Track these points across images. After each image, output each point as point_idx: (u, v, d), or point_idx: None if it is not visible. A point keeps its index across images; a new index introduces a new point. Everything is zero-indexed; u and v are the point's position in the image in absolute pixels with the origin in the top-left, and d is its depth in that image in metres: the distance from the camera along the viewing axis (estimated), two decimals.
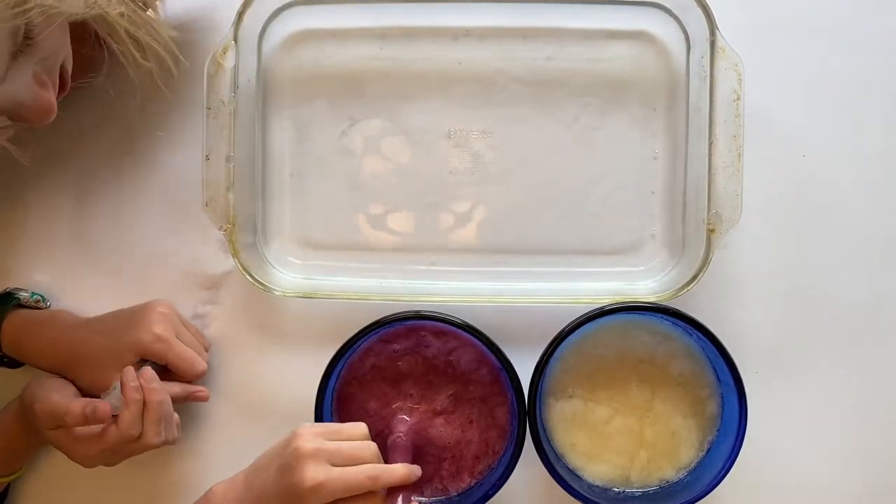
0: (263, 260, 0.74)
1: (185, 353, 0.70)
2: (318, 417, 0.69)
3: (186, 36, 0.72)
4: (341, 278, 0.73)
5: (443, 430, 0.71)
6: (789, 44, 0.74)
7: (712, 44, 0.68)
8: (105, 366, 0.68)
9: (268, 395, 0.74)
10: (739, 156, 0.68)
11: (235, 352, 0.75)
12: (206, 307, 0.75)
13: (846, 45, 0.73)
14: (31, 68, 0.55)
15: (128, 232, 0.75)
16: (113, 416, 0.65)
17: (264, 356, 0.75)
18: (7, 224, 0.75)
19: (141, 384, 0.66)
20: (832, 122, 0.73)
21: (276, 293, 0.71)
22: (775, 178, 0.73)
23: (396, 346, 0.71)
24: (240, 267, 0.70)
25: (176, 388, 0.70)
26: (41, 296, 0.73)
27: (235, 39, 0.69)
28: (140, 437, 0.66)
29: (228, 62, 0.68)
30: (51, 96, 0.57)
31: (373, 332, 0.68)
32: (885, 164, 0.74)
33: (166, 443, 0.68)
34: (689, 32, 0.71)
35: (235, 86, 0.69)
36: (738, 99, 0.68)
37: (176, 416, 0.69)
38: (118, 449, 0.66)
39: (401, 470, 0.63)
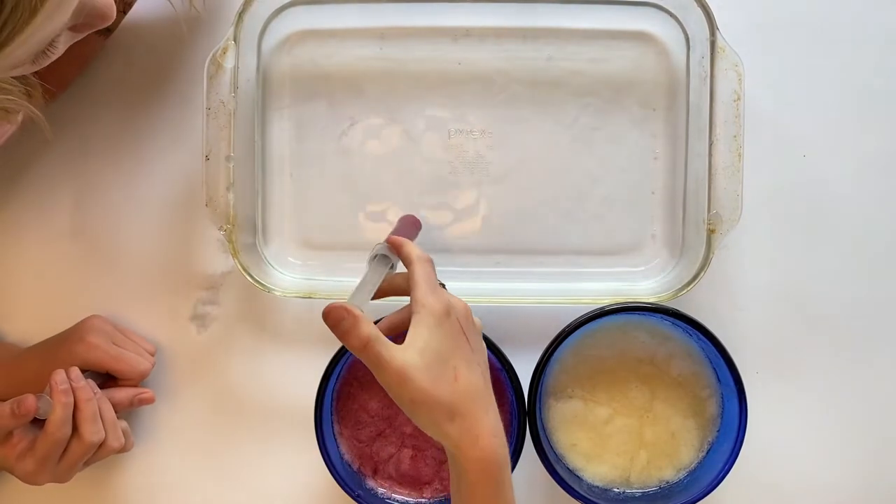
0: (263, 260, 0.74)
1: (123, 355, 0.70)
2: (318, 418, 0.68)
3: (187, 36, 0.72)
4: (341, 278, 0.73)
5: None
6: (789, 44, 0.73)
7: (712, 44, 0.68)
8: (45, 387, 0.66)
9: (267, 395, 0.74)
10: (740, 156, 0.68)
11: (235, 352, 0.75)
12: (206, 307, 0.75)
13: (846, 45, 0.73)
14: None
15: (128, 232, 0.75)
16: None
17: (264, 356, 0.75)
18: (7, 224, 0.75)
19: (70, 386, 0.64)
20: (832, 122, 0.73)
21: (276, 293, 0.71)
22: (775, 178, 0.73)
23: None
24: (240, 267, 0.70)
25: (120, 393, 0.69)
26: None
27: (235, 39, 0.68)
28: (77, 438, 0.64)
29: (228, 62, 0.68)
30: None
31: None
32: (885, 164, 0.74)
33: (114, 449, 0.67)
34: (689, 32, 0.71)
35: (235, 86, 0.69)
36: (739, 99, 0.68)
37: (124, 423, 0.69)
38: (52, 454, 0.64)
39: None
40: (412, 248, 0.60)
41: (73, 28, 0.53)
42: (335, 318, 0.53)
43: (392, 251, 0.61)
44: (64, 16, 0.49)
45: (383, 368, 0.52)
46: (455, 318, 0.56)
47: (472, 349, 0.57)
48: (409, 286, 0.58)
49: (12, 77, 0.52)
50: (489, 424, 0.55)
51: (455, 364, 0.54)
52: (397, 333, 0.58)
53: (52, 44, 0.51)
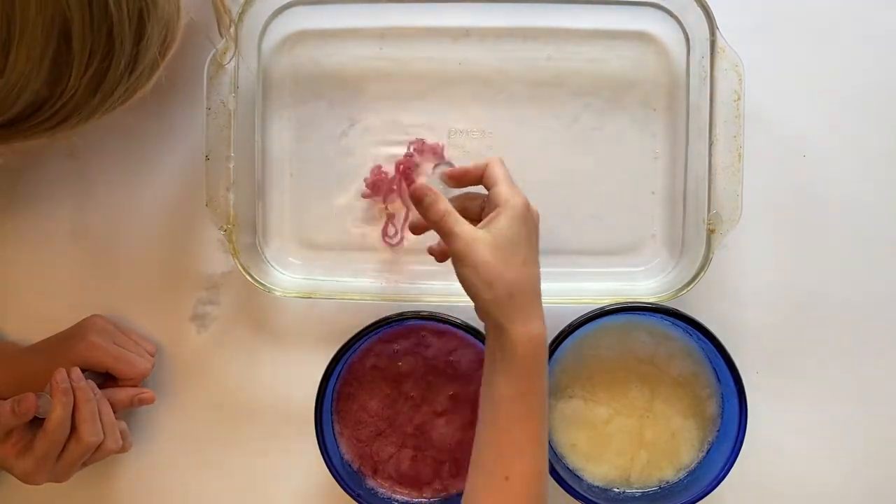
0: (263, 260, 0.74)
1: (124, 355, 0.70)
2: (318, 417, 0.69)
3: (187, 36, 0.72)
4: (341, 278, 0.73)
5: (444, 430, 0.71)
6: (789, 44, 0.73)
7: (712, 44, 0.68)
8: (45, 386, 0.66)
9: (267, 395, 0.74)
10: (740, 156, 0.68)
11: (235, 352, 0.75)
12: (206, 307, 0.75)
13: (846, 45, 0.73)
14: None
15: (128, 232, 0.75)
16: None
17: (264, 356, 0.75)
18: (7, 224, 0.75)
19: (71, 386, 0.64)
20: (832, 122, 0.73)
21: (276, 293, 0.71)
22: (775, 178, 0.73)
23: (397, 346, 0.71)
24: (240, 267, 0.70)
25: (120, 393, 0.70)
26: None
27: (235, 39, 0.68)
28: (75, 438, 0.64)
29: (228, 62, 0.68)
30: None
31: (373, 332, 0.68)
32: (886, 164, 0.74)
33: (112, 451, 0.67)
34: (689, 32, 0.71)
35: (235, 86, 0.69)
36: (739, 99, 0.68)
37: (122, 424, 0.69)
38: (51, 453, 0.64)
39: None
40: (479, 162, 0.64)
41: None
42: (419, 193, 0.60)
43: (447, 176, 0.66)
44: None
45: (455, 237, 0.58)
46: (532, 214, 0.61)
47: (538, 247, 0.61)
48: (487, 181, 0.63)
49: None
50: (540, 310, 0.60)
51: (526, 253, 0.59)
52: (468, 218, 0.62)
53: None
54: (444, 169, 0.67)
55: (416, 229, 0.67)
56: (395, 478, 0.72)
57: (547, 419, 0.61)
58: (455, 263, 0.59)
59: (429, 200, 0.60)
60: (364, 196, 0.73)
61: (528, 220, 0.60)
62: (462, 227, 0.59)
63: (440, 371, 0.71)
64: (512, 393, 0.58)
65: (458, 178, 0.65)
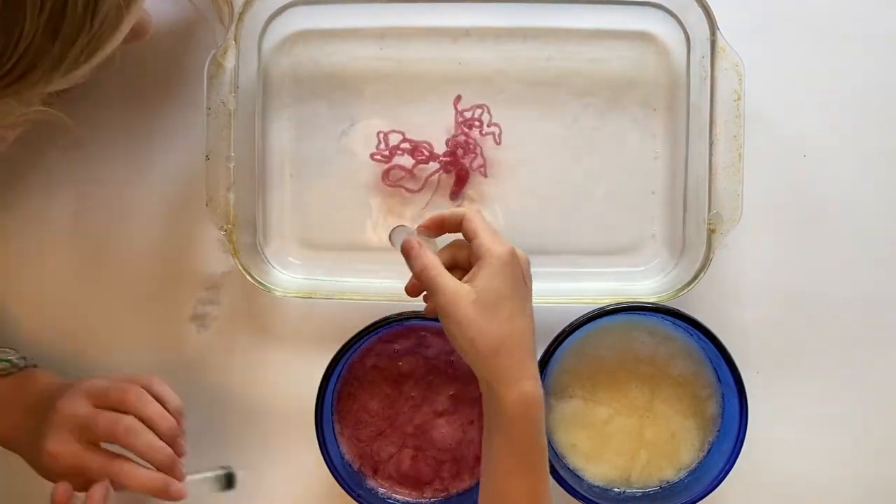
0: (263, 260, 0.73)
1: (108, 467, 0.60)
2: (318, 417, 0.69)
3: (187, 36, 0.72)
4: (341, 278, 0.73)
5: (444, 430, 0.71)
6: (789, 44, 0.73)
7: (713, 44, 0.68)
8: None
9: (267, 395, 0.74)
10: (740, 156, 0.68)
11: (235, 352, 0.75)
12: (206, 307, 0.75)
13: (846, 45, 0.73)
14: None
15: (128, 232, 0.75)
16: None
17: (264, 356, 0.74)
18: (8, 224, 0.75)
19: None
20: (832, 122, 0.73)
21: (276, 293, 0.71)
22: (776, 178, 0.73)
23: (397, 346, 0.71)
24: (240, 267, 0.70)
25: (136, 479, 0.61)
26: (8, 361, 0.67)
27: (235, 39, 0.68)
28: None
29: (228, 62, 0.68)
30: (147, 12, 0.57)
31: (374, 332, 0.68)
32: (886, 164, 0.74)
33: None
34: (689, 32, 0.71)
35: (235, 86, 0.69)
36: (739, 99, 0.68)
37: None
38: None
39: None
40: (454, 210, 0.63)
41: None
42: (407, 246, 0.60)
43: (428, 231, 0.63)
44: (128, 30, 0.51)
45: (438, 291, 0.57)
46: (518, 262, 0.59)
47: (528, 295, 0.60)
48: (466, 235, 0.60)
49: None
50: (531, 368, 0.58)
51: (512, 305, 0.57)
52: (454, 268, 0.61)
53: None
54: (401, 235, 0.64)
55: (411, 291, 0.63)
56: (396, 478, 0.72)
57: (547, 472, 0.60)
58: (440, 318, 0.58)
59: (413, 253, 0.60)
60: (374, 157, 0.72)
61: (514, 270, 0.58)
62: (446, 281, 0.57)
63: (440, 371, 0.71)
64: (507, 450, 0.57)
65: (436, 228, 0.63)
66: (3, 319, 0.75)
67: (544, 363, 0.67)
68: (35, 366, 0.69)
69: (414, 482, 0.72)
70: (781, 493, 0.74)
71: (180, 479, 0.62)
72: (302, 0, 0.71)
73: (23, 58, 0.45)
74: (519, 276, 0.59)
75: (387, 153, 0.72)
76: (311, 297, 0.71)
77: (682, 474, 0.71)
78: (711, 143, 0.68)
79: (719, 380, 0.71)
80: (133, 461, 0.61)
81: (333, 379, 0.69)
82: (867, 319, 0.74)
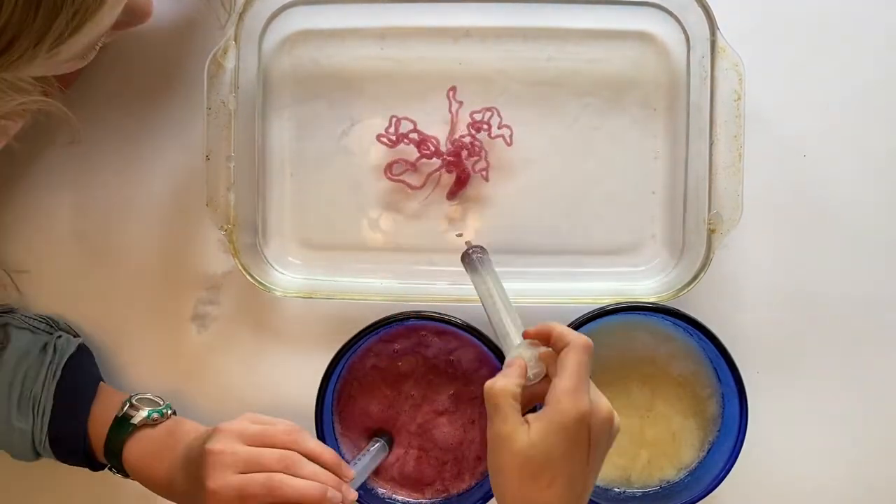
0: (263, 260, 0.73)
1: (281, 486, 0.59)
2: (319, 417, 0.69)
3: (187, 36, 0.72)
4: (341, 278, 0.73)
5: (446, 430, 0.71)
6: (789, 44, 0.74)
7: (713, 44, 0.68)
8: None
9: (267, 395, 0.74)
10: (740, 156, 0.68)
11: (235, 352, 0.75)
12: (206, 307, 0.75)
13: (846, 45, 0.73)
14: None
15: (128, 232, 0.75)
16: None
17: (264, 356, 0.74)
18: (6, 224, 0.75)
19: None
20: (832, 122, 0.73)
21: (276, 293, 0.71)
22: (776, 178, 0.73)
23: (397, 346, 0.71)
24: (240, 267, 0.70)
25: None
26: (159, 412, 0.68)
27: (235, 39, 0.68)
28: None
29: (228, 62, 0.68)
30: None
31: (374, 332, 0.68)
32: (886, 163, 0.74)
33: None
34: (689, 32, 0.71)
35: (235, 86, 0.69)
36: (739, 99, 0.68)
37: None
38: None
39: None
40: (570, 331, 0.56)
41: (114, 25, 0.53)
42: (509, 360, 0.57)
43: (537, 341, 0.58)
44: (119, 10, 0.50)
45: (497, 422, 0.53)
46: (587, 427, 0.53)
47: (588, 462, 0.53)
48: (558, 367, 0.54)
49: (32, 77, 0.52)
50: None
51: (557, 473, 0.52)
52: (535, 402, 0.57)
53: (99, 38, 0.52)
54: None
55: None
56: (398, 479, 0.72)
57: None
58: (488, 445, 0.54)
59: (507, 371, 0.55)
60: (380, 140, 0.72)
61: (576, 435, 0.52)
62: (511, 416, 0.53)
63: (440, 371, 0.71)
64: None
65: (542, 339, 0.58)
66: None
67: None
68: (175, 413, 0.70)
69: (415, 483, 0.72)
70: (781, 493, 0.74)
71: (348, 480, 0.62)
72: (302, 0, 0.71)
73: (4, 30, 0.44)
74: (581, 441, 0.52)
75: (394, 138, 0.72)
76: (311, 297, 0.71)
77: (683, 474, 0.71)
78: (711, 143, 0.68)
79: (719, 380, 0.71)
80: (289, 475, 0.60)
81: (333, 379, 0.69)
82: (867, 319, 0.74)
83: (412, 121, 0.72)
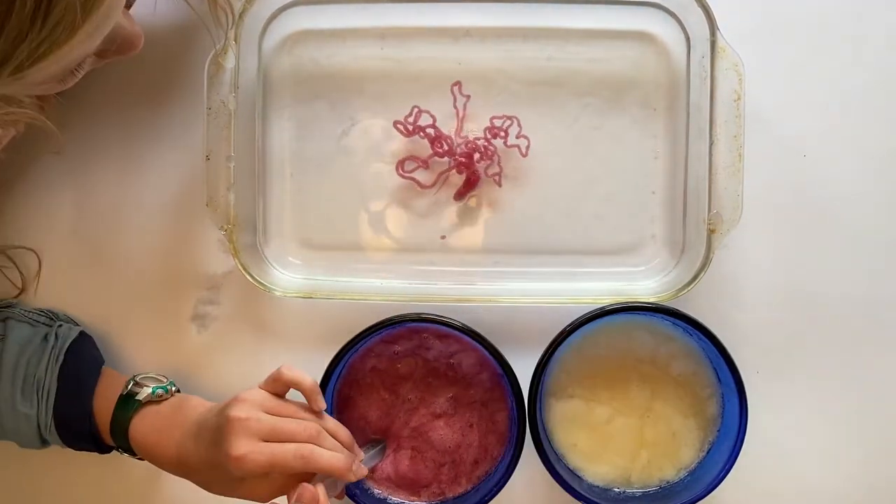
0: (263, 260, 0.73)
1: (287, 455, 0.60)
2: None
3: (187, 36, 0.72)
4: (341, 278, 0.73)
5: (443, 433, 0.71)
6: (790, 44, 0.74)
7: (713, 44, 0.68)
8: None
9: None
10: (740, 156, 0.68)
11: (235, 352, 0.75)
12: (206, 307, 0.75)
13: (846, 45, 0.73)
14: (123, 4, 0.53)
15: (128, 232, 0.75)
16: None
17: (264, 356, 0.74)
18: (7, 224, 0.75)
19: None
20: (832, 122, 0.73)
21: (276, 293, 0.71)
22: (776, 178, 0.73)
23: (398, 348, 0.71)
24: (240, 267, 0.70)
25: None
26: (164, 388, 0.69)
27: (235, 39, 0.68)
28: None
29: (228, 62, 0.68)
30: (139, 28, 0.56)
31: (375, 333, 0.68)
32: (886, 163, 0.74)
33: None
34: (689, 32, 0.71)
35: (235, 86, 0.69)
36: (739, 99, 0.68)
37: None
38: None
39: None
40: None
41: (100, 54, 0.54)
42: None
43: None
44: (97, 40, 0.50)
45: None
46: None
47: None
48: None
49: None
50: None
51: None
52: None
53: (80, 65, 0.52)
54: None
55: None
56: (394, 479, 0.72)
57: None
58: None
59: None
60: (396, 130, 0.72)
61: None
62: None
63: (440, 374, 0.71)
64: None
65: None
66: None
67: (544, 363, 0.67)
68: (179, 390, 0.71)
69: (412, 484, 0.72)
70: (781, 493, 0.74)
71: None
72: (302, 0, 0.71)
73: None
74: None
75: (410, 128, 0.72)
76: (311, 297, 0.71)
77: (682, 474, 0.71)
78: (711, 143, 0.68)
79: (719, 380, 0.71)
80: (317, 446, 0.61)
81: (334, 379, 0.69)
82: (867, 319, 0.74)
83: (433, 116, 0.72)
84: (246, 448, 0.59)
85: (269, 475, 0.61)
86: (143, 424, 0.67)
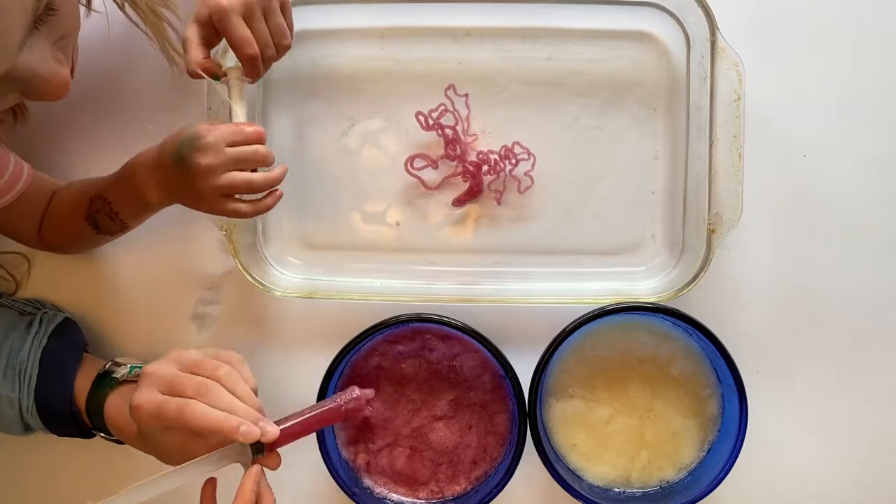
0: (263, 260, 0.73)
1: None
2: None
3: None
4: (341, 278, 0.73)
5: (442, 434, 0.71)
6: (789, 44, 0.74)
7: (713, 44, 0.68)
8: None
9: (267, 395, 0.74)
10: (740, 156, 0.68)
11: (235, 351, 0.74)
12: (206, 307, 0.75)
13: (846, 45, 0.73)
14: (48, 44, 0.53)
15: (128, 232, 0.74)
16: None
17: (264, 356, 0.74)
18: None
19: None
20: (832, 122, 0.74)
21: (276, 293, 0.71)
22: (775, 178, 0.73)
23: (401, 348, 0.71)
24: (240, 267, 0.70)
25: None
26: (139, 367, 0.69)
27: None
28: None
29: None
30: (66, 71, 0.55)
31: (377, 333, 0.68)
32: (885, 164, 0.74)
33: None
34: (689, 32, 0.71)
35: None
36: (739, 99, 0.68)
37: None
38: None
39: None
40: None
41: (24, 93, 0.54)
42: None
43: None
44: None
45: None
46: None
47: None
48: None
49: None
50: None
51: None
52: None
53: None
54: None
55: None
56: (391, 476, 0.72)
57: None
58: None
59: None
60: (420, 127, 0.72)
61: None
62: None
63: (442, 376, 0.71)
64: None
65: None
66: None
67: (545, 363, 0.67)
68: None
69: (410, 481, 0.72)
70: (781, 493, 0.74)
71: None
72: (302, 0, 0.71)
73: None
74: None
75: (431, 122, 0.72)
76: (310, 297, 0.71)
77: (682, 474, 0.71)
78: (711, 143, 0.68)
79: (719, 380, 0.71)
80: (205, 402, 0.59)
81: (336, 377, 0.69)
82: (867, 319, 0.74)
83: (460, 117, 0.72)
84: (143, 398, 0.59)
85: (171, 431, 0.59)
86: (117, 402, 0.67)
